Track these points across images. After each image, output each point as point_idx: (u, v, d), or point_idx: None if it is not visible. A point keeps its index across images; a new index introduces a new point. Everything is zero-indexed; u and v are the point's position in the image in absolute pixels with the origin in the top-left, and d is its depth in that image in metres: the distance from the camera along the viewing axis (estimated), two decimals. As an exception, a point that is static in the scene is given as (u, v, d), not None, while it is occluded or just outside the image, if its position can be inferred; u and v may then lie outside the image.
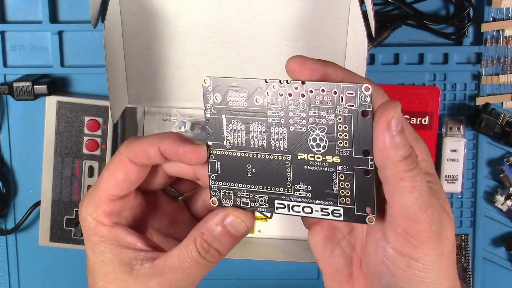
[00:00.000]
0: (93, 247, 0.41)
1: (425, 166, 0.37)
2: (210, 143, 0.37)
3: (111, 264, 0.40)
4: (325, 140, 0.35)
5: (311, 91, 0.34)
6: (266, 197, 0.38)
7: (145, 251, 0.40)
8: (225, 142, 0.37)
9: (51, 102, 0.70)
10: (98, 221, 0.41)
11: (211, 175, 0.38)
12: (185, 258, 0.39)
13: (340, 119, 0.34)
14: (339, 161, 0.35)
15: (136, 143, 0.40)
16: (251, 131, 0.36)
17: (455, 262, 0.38)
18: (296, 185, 0.37)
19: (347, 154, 0.35)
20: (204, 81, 0.36)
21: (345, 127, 0.34)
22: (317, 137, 0.35)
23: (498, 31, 0.70)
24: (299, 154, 0.36)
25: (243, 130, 0.36)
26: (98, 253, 0.41)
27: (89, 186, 0.71)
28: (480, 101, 0.71)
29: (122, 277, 0.40)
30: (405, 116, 0.66)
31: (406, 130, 0.35)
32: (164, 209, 0.45)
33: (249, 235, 0.71)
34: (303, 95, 0.34)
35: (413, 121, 0.71)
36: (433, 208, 0.35)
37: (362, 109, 0.34)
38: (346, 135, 0.34)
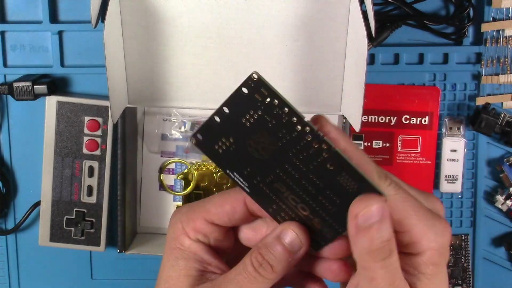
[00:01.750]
0: (170, 251, 0.42)
1: (430, 256, 0.37)
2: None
3: (178, 271, 0.41)
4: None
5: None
6: None
7: (214, 272, 0.41)
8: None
9: (51, 102, 0.70)
10: (186, 231, 0.42)
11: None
12: (240, 271, 0.40)
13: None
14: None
15: None
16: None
17: None
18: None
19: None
20: (253, 75, 0.34)
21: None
22: None
23: (498, 31, 0.70)
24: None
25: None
26: (171, 258, 0.42)
27: (89, 186, 0.71)
28: (480, 101, 0.71)
29: (182, 286, 0.41)
30: (405, 116, 0.67)
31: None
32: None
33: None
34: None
35: (413, 121, 0.71)
36: None
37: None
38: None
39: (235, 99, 0.35)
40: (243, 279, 0.39)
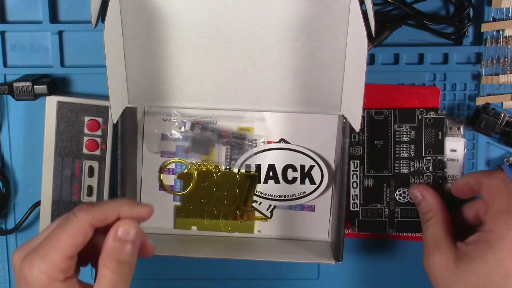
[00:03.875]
0: None
1: None
2: None
3: None
4: None
5: None
6: None
7: None
8: None
9: (51, 102, 0.70)
10: (54, 278, 0.46)
11: None
12: (106, 283, 0.47)
13: None
14: None
15: (97, 210, 0.48)
16: None
17: None
18: None
19: None
20: None
21: None
22: None
23: (498, 31, 0.70)
24: None
25: None
26: None
27: (89, 186, 0.71)
28: (480, 101, 0.71)
29: None
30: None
31: None
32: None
33: (249, 235, 0.71)
34: None
35: (413, 121, 0.71)
36: None
37: None
38: None
39: None
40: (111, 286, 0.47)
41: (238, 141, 0.69)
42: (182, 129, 0.70)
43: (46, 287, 0.45)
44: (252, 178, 0.66)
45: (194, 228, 0.58)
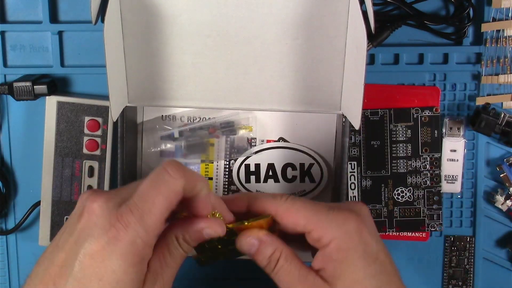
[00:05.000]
0: (129, 262, 0.43)
1: (335, 245, 0.48)
2: None
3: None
4: None
5: None
6: None
7: None
8: None
9: (51, 102, 0.70)
10: (148, 244, 0.44)
11: None
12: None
13: None
14: None
15: (189, 175, 0.45)
16: None
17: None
18: None
19: None
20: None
21: None
22: None
23: (498, 31, 0.70)
24: None
25: None
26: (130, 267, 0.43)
27: (89, 186, 0.71)
28: (480, 101, 0.71)
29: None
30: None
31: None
32: None
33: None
34: None
35: (413, 121, 0.71)
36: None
37: None
38: None
39: None
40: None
41: (228, 128, 0.69)
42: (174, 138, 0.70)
43: (141, 253, 0.43)
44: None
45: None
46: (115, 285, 0.42)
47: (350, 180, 0.71)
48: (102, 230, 0.42)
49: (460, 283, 0.75)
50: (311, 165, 0.70)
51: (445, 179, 0.72)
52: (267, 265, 0.50)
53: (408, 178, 0.71)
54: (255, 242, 0.50)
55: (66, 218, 0.71)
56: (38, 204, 0.72)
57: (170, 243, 0.47)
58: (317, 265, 0.50)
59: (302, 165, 0.70)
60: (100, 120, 0.70)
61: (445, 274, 0.75)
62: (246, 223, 0.50)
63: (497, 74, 0.71)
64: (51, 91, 0.70)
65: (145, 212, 0.43)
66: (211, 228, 0.47)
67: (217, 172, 0.71)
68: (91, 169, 0.71)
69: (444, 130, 0.72)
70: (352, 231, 0.48)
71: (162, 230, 0.46)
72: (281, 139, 0.70)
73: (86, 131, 0.70)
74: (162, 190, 0.44)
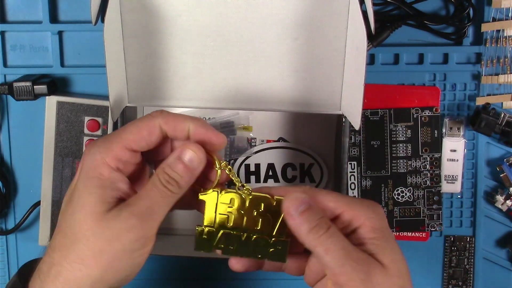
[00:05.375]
0: (88, 181, 0.45)
1: (370, 224, 0.45)
2: None
3: (96, 199, 0.45)
4: None
5: None
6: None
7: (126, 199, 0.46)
8: None
9: (51, 102, 0.70)
10: (105, 161, 0.45)
11: None
12: (151, 189, 0.45)
13: None
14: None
15: (171, 116, 0.47)
16: None
17: None
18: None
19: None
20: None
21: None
22: None
23: (498, 31, 0.70)
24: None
25: None
26: (90, 186, 0.45)
27: (89, 186, 0.71)
28: (480, 101, 0.71)
29: (99, 211, 0.44)
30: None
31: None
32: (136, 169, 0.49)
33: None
34: None
35: (413, 121, 0.71)
36: (352, 261, 0.43)
37: None
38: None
39: None
40: (154, 195, 0.45)
41: (228, 128, 0.69)
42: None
43: (96, 167, 0.45)
44: None
45: (218, 251, 0.50)
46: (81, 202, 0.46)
47: (350, 180, 0.71)
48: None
49: (460, 283, 0.75)
50: (311, 165, 0.70)
51: (445, 179, 0.72)
52: (310, 231, 0.44)
53: (408, 178, 0.71)
54: (306, 200, 0.46)
55: (66, 218, 0.71)
56: (38, 204, 0.72)
57: (154, 177, 0.47)
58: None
59: (302, 165, 0.70)
60: (100, 120, 0.70)
61: (445, 274, 0.75)
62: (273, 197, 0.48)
63: (497, 74, 0.71)
64: (51, 91, 0.70)
65: (112, 136, 0.46)
66: (186, 146, 0.46)
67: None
68: (91, 169, 0.71)
69: (444, 130, 0.72)
70: (382, 214, 0.47)
71: (132, 158, 0.47)
72: (281, 139, 0.70)
73: (86, 131, 0.70)
74: (135, 122, 0.47)
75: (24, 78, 0.70)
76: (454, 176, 0.72)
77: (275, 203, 0.47)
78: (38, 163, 0.72)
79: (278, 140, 0.70)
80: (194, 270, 0.76)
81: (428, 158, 0.71)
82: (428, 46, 0.72)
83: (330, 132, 0.70)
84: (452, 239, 0.74)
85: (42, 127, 0.71)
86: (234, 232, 0.49)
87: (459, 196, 0.74)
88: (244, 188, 0.48)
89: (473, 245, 0.74)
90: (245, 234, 0.48)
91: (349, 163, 0.70)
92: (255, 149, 0.70)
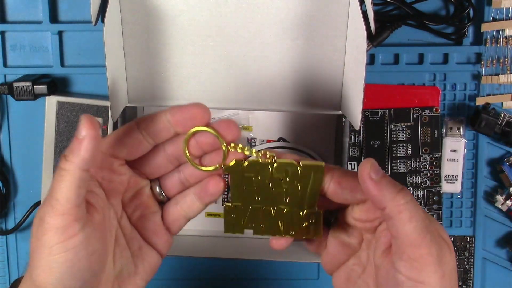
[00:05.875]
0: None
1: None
2: None
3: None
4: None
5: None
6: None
7: None
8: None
9: (51, 102, 0.70)
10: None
11: None
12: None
13: None
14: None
15: (145, 118, 0.47)
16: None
17: (456, 285, 0.43)
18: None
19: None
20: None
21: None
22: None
23: (498, 31, 0.70)
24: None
25: None
26: None
27: (89, 186, 0.71)
28: (480, 101, 0.71)
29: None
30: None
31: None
32: (144, 203, 0.49)
33: (249, 235, 0.71)
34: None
35: (413, 121, 0.71)
36: (431, 234, 0.41)
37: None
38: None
39: None
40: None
41: None
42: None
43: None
44: (316, 170, 0.47)
45: (249, 231, 0.49)
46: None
47: (350, 180, 0.71)
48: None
49: (460, 283, 0.75)
50: (311, 165, 0.70)
51: (445, 179, 0.72)
52: (398, 194, 0.42)
53: (408, 178, 0.71)
54: (380, 171, 0.43)
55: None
56: (38, 204, 0.72)
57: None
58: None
59: (302, 165, 0.70)
60: (100, 120, 0.70)
61: (445, 274, 0.75)
62: (299, 163, 0.45)
63: (497, 74, 0.71)
64: (51, 91, 0.70)
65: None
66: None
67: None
68: (91, 169, 0.71)
69: (444, 130, 0.72)
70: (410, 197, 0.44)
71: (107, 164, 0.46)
72: (281, 139, 0.70)
73: (86, 131, 0.70)
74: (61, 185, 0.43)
75: (24, 78, 0.70)
76: (454, 176, 0.72)
77: (301, 169, 0.45)
78: (38, 163, 0.72)
79: (278, 140, 0.70)
80: (194, 270, 0.76)
81: (428, 158, 0.71)
82: (428, 46, 0.72)
83: (330, 132, 0.70)
84: (452, 239, 0.74)
85: (42, 127, 0.71)
86: (263, 207, 0.47)
87: (459, 196, 0.74)
88: (268, 155, 0.46)
89: (473, 245, 0.74)
90: (275, 208, 0.46)
91: (349, 163, 0.70)
92: (255, 149, 0.70)
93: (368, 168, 0.42)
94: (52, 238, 0.41)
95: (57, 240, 0.41)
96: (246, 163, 0.46)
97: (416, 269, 0.41)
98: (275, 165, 0.45)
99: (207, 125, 0.46)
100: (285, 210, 0.46)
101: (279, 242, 0.48)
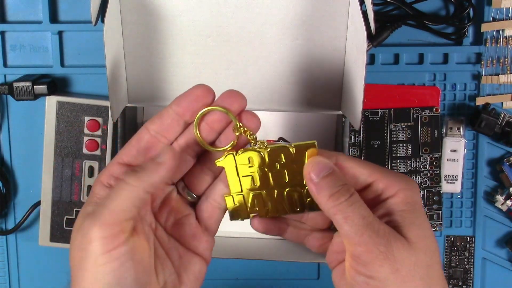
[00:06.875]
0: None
1: (403, 195, 0.44)
2: None
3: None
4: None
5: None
6: None
7: None
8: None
9: (51, 102, 0.70)
10: (100, 179, 0.45)
11: None
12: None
13: None
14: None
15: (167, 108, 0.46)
16: None
17: (427, 277, 0.42)
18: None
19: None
20: None
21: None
22: None
23: (498, 31, 0.70)
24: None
25: None
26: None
27: (89, 186, 0.71)
28: (480, 101, 0.71)
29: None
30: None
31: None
32: (174, 208, 0.47)
33: (249, 235, 0.71)
34: None
35: (413, 121, 0.71)
36: (371, 231, 0.41)
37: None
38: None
39: None
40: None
41: None
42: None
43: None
44: (309, 146, 0.48)
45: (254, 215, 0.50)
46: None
47: (350, 180, 0.71)
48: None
49: (460, 283, 0.75)
50: (311, 165, 0.70)
51: (445, 179, 0.72)
52: (331, 197, 0.43)
53: (408, 178, 0.71)
54: (329, 165, 0.44)
55: (66, 218, 0.71)
56: (38, 204, 0.72)
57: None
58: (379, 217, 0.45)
59: (302, 165, 0.70)
60: (100, 120, 0.70)
61: (445, 274, 0.75)
62: (291, 145, 0.46)
63: (497, 74, 0.71)
64: (51, 91, 0.70)
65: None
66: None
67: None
68: (91, 169, 0.71)
69: (444, 130, 0.72)
70: (416, 189, 0.45)
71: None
72: (281, 139, 0.70)
73: (86, 131, 0.70)
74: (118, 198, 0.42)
75: (24, 78, 0.70)
76: (454, 176, 0.72)
77: (294, 150, 0.46)
78: (38, 163, 0.72)
79: (278, 140, 0.70)
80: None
81: (428, 158, 0.71)
82: (428, 46, 0.72)
83: (330, 132, 0.70)
84: (452, 239, 0.74)
85: (42, 127, 0.71)
86: (265, 192, 0.47)
87: (459, 196, 0.74)
88: (259, 142, 0.46)
89: (473, 245, 0.74)
90: (276, 191, 0.47)
91: (349, 163, 0.70)
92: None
93: (309, 169, 0.44)
94: (97, 248, 0.40)
95: (102, 250, 0.40)
96: (239, 153, 0.46)
97: (362, 265, 0.42)
98: (267, 150, 0.46)
99: (212, 104, 0.46)
100: (287, 189, 0.47)
101: (260, 223, 0.48)
